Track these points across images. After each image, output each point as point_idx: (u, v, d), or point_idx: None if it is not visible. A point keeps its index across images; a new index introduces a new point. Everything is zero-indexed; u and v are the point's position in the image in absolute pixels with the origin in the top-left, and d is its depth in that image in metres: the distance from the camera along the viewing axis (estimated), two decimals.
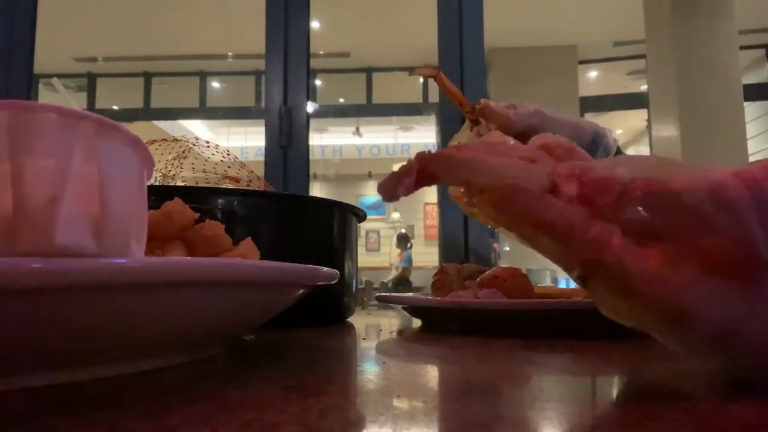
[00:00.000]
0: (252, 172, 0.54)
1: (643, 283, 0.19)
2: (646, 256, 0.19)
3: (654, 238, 0.19)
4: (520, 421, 0.16)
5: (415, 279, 5.03)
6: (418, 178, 0.21)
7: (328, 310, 0.49)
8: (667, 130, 2.85)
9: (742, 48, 2.96)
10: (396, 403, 0.19)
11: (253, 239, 0.33)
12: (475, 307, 0.39)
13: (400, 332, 0.44)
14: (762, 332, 0.19)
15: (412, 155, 0.25)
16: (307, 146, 1.80)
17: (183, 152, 0.54)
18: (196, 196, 0.42)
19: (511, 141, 0.25)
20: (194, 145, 0.55)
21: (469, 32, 1.80)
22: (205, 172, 0.52)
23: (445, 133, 1.56)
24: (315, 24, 3.24)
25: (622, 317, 0.21)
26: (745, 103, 2.95)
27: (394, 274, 5.30)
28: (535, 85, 4.15)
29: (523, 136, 0.37)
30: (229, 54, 4.07)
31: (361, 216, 0.54)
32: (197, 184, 0.50)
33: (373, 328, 0.47)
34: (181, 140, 0.54)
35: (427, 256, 5.81)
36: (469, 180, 0.22)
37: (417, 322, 0.51)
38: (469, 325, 0.41)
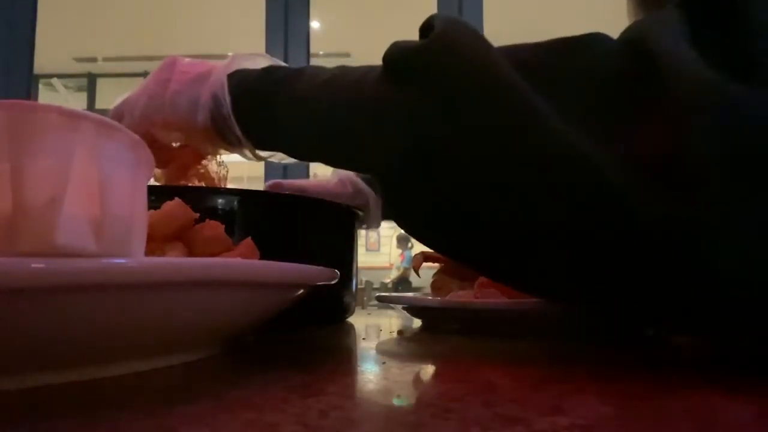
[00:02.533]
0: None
1: None
2: None
3: None
4: (520, 421, 0.16)
5: (415, 279, 5.03)
6: None
7: (328, 310, 0.49)
8: None
9: None
10: (396, 403, 0.19)
11: (253, 239, 0.33)
12: (475, 307, 0.39)
13: (400, 332, 0.44)
14: None
15: None
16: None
17: None
18: (196, 196, 0.42)
19: None
20: None
21: None
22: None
23: None
24: (315, 24, 3.24)
25: None
26: None
27: (395, 274, 5.29)
28: None
29: None
30: (229, 54, 4.07)
31: (361, 216, 0.54)
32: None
33: (373, 328, 0.47)
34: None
35: None
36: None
37: (417, 322, 0.51)
38: (469, 325, 0.41)
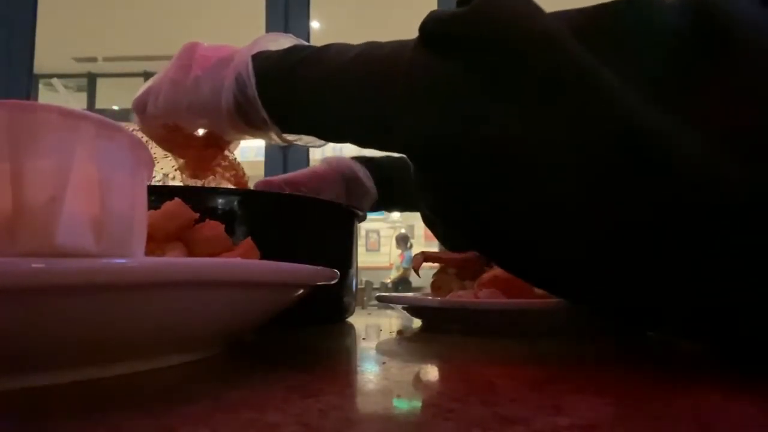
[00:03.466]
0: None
1: None
2: None
3: None
4: (520, 421, 0.16)
5: (415, 279, 5.03)
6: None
7: (328, 310, 0.49)
8: None
9: None
10: (396, 403, 0.19)
11: (253, 239, 0.33)
12: (475, 307, 0.39)
13: (400, 332, 0.44)
14: None
15: None
16: (306, 149, 1.80)
17: None
18: (196, 196, 0.42)
19: None
20: None
21: None
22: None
23: None
24: (315, 24, 3.24)
25: None
26: None
27: (395, 274, 5.29)
28: None
29: None
30: None
31: (361, 216, 0.54)
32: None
33: (373, 328, 0.47)
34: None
35: None
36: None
37: (417, 322, 0.51)
38: (469, 325, 0.41)
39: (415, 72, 0.29)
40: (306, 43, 0.41)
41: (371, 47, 0.34)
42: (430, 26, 0.29)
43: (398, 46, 0.32)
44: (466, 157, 0.27)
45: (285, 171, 1.81)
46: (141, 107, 0.44)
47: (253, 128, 0.42)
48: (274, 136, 0.43)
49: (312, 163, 1.87)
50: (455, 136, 0.27)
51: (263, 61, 0.39)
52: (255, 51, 0.40)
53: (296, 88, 0.37)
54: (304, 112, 0.38)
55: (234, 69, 0.40)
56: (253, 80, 0.39)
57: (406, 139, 0.30)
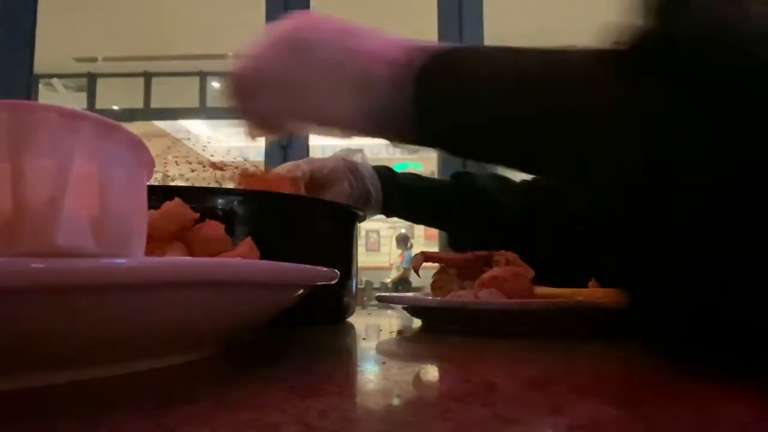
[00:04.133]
0: (244, 162, 0.54)
1: None
2: None
3: None
4: (520, 421, 0.16)
5: (415, 279, 5.03)
6: None
7: (328, 310, 0.48)
8: None
9: None
10: (396, 402, 0.19)
11: (253, 239, 0.33)
12: (475, 307, 0.39)
13: (400, 332, 0.44)
14: None
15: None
16: (307, 145, 1.80)
17: (168, 147, 0.54)
18: (196, 196, 0.42)
19: None
20: (186, 139, 0.55)
21: (469, 32, 1.80)
22: (190, 163, 0.52)
23: None
24: None
25: None
26: None
27: (395, 274, 5.29)
28: None
29: None
30: (229, 54, 4.07)
31: (361, 216, 0.54)
32: (186, 178, 0.51)
33: (373, 328, 0.47)
34: (168, 136, 0.55)
35: None
36: None
37: (417, 322, 0.51)
38: (469, 325, 0.41)
39: (620, 99, 0.26)
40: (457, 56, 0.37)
41: (548, 65, 0.31)
42: (639, 46, 0.26)
43: (587, 67, 0.29)
44: (678, 207, 0.24)
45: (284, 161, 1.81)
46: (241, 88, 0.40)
47: (378, 134, 0.38)
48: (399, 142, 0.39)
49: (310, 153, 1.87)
50: (665, 167, 0.24)
51: (427, 82, 0.35)
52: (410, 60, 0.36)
53: (470, 114, 0.34)
54: (472, 139, 0.35)
55: (392, 82, 0.36)
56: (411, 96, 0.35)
57: (599, 174, 0.27)
